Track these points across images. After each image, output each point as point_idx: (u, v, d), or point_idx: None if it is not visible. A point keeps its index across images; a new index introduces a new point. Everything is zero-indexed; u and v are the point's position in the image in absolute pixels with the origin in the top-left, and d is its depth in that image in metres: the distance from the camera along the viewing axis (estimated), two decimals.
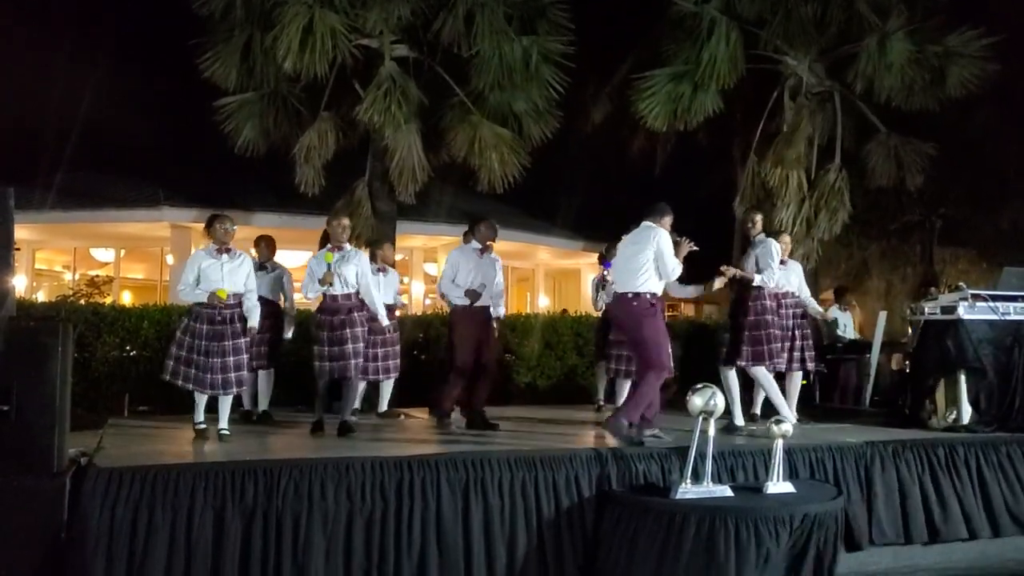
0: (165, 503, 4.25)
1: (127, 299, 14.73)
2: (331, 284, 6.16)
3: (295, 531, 4.40)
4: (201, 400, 5.82)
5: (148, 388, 8.03)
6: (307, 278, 6.31)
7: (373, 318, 6.54)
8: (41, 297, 13.97)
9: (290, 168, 10.22)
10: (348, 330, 6.17)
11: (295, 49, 9.06)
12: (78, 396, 6.85)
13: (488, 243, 6.82)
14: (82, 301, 10.10)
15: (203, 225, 6.19)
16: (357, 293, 6.29)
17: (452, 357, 6.71)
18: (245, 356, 5.89)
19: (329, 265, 6.18)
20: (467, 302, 6.60)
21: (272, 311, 6.96)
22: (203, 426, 5.82)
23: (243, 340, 5.84)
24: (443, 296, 6.91)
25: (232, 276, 5.83)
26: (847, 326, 9.53)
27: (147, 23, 17.00)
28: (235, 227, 6.05)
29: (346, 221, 6.60)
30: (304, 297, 6.51)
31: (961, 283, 8.26)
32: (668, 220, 5.90)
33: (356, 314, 6.24)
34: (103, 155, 15.55)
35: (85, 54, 16.44)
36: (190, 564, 4.23)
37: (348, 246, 6.45)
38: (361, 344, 6.27)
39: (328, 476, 4.52)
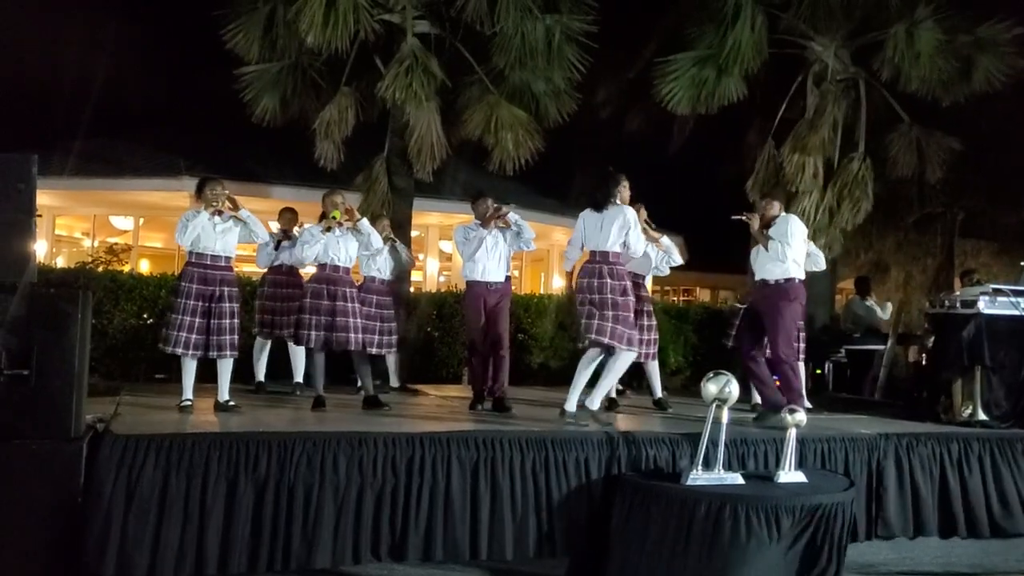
0: (180, 471, 4.29)
1: (145, 267, 14.83)
2: (331, 229, 6.22)
3: (306, 503, 4.44)
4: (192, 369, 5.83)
5: (165, 356, 8.04)
6: (300, 244, 6.34)
7: (377, 292, 7.09)
8: (60, 263, 14.07)
9: (309, 142, 10.20)
10: (348, 303, 6.23)
11: (318, 23, 9.00)
12: (95, 363, 6.92)
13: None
14: (100, 268, 10.17)
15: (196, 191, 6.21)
16: (349, 270, 6.36)
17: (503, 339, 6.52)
18: (237, 321, 5.92)
19: (334, 216, 6.22)
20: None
21: (297, 281, 7.03)
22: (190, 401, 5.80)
23: (237, 305, 5.90)
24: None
25: (224, 237, 5.92)
26: (875, 314, 9.49)
27: None
28: (227, 190, 6.05)
29: (338, 198, 6.42)
30: (304, 262, 6.55)
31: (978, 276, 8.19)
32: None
33: (349, 289, 6.31)
34: (124, 123, 15.59)
35: (108, 21, 16.43)
36: (203, 532, 4.28)
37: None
38: (360, 320, 6.31)
39: (341, 450, 4.55)
